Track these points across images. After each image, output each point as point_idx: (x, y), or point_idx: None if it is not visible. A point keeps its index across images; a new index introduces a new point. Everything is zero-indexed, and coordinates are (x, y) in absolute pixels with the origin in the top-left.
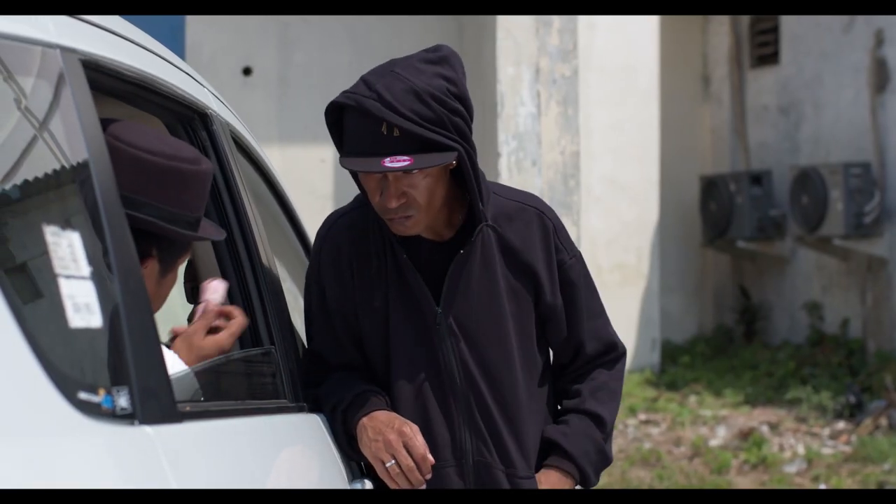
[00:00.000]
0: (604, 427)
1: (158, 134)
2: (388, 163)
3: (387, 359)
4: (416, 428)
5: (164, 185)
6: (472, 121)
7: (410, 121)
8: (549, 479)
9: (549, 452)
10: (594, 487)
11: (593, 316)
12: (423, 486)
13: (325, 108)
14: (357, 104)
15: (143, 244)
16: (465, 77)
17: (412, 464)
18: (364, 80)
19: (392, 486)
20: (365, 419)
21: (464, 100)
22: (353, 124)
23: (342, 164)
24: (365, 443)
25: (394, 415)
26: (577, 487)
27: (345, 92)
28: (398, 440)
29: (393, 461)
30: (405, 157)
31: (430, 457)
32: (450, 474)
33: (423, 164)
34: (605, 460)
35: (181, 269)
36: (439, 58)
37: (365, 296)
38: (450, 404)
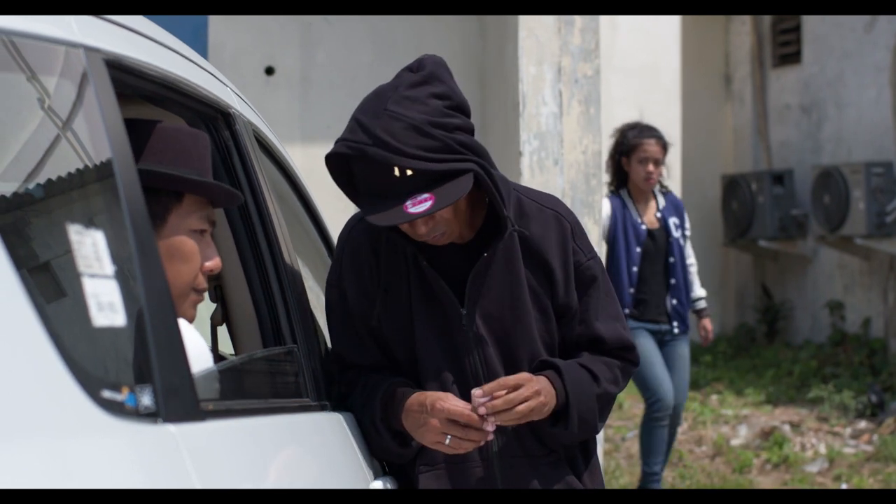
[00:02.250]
0: (598, 382)
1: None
2: (412, 208)
3: (412, 361)
4: (444, 395)
5: (141, 139)
6: (472, 125)
7: (420, 159)
8: (538, 379)
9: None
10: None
11: (612, 318)
12: (491, 432)
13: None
14: (361, 154)
15: None
16: (453, 77)
17: (467, 431)
18: (359, 123)
19: (463, 451)
20: (402, 418)
21: (461, 107)
22: (363, 172)
23: (366, 217)
24: (418, 437)
25: (419, 396)
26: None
27: (344, 140)
28: (441, 418)
29: (448, 438)
30: (425, 196)
31: (472, 403)
32: (477, 473)
33: (445, 200)
34: (592, 408)
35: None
36: (425, 77)
37: (386, 299)
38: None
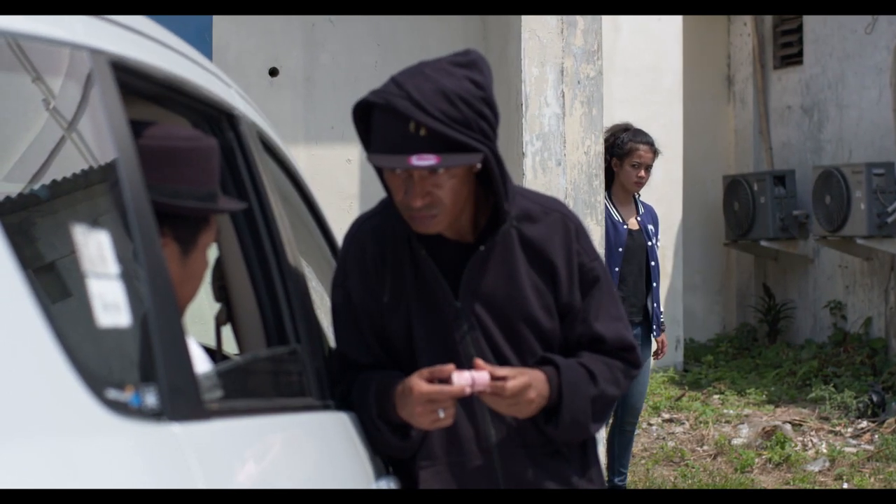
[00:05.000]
0: (595, 382)
1: (156, 122)
2: (415, 160)
3: (411, 356)
4: (414, 379)
5: (162, 165)
6: (497, 125)
7: (438, 120)
8: (531, 372)
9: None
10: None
11: (613, 318)
12: (468, 389)
13: (352, 106)
14: (386, 102)
15: None
16: (493, 82)
17: (449, 407)
18: (394, 79)
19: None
20: (399, 410)
21: (491, 105)
22: (382, 122)
23: (370, 159)
24: (417, 424)
25: (401, 387)
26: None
27: (374, 91)
28: (423, 403)
29: (440, 414)
30: (432, 156)
31: (442, 371)
32: (476, 466)
33: (449, 163)
34: (585, 410)
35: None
36: (469, 62)
37: (388, 295)
38: (472, 398)
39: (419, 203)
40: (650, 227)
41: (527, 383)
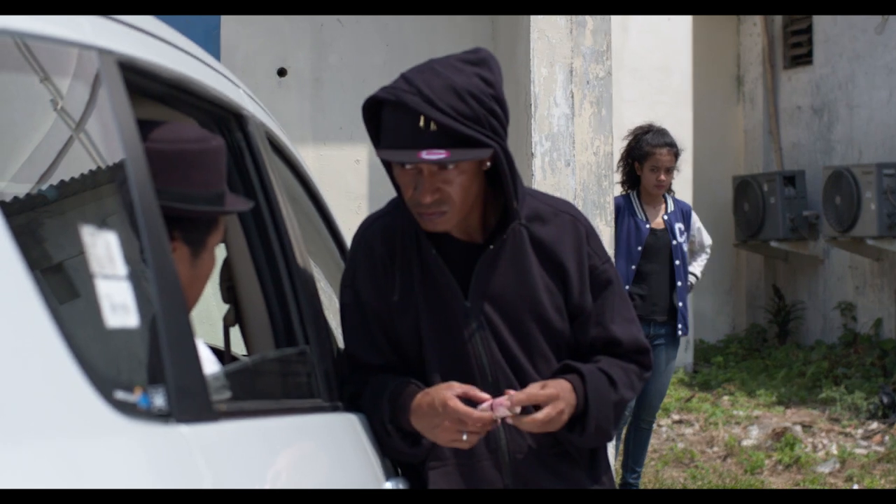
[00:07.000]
0: (616, 388)
1: (163, 122)
2: (425, 155)
3: (420, 355)
4: (449, 394)
5: (172, 169)
6: (507, 124)
7: (448, 116)
8: (556, 383)
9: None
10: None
11: (627, 321)
12: (499, 420)
13: (361, 106)
14: (397, 98)
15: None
16: (503, 81)
17: (477, 427)
18: (404, 76)
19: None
20: (412, 420)
21: (501, 102)
22: (392, 119)
23: (379, 154)
24: (432, 437)
25: (429, 395)
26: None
27: (384, 87)
28: (453, 417)
29: (465, 435)
30: (441, 151)
31: (477, 395)
32: (486, 468)
33: (459, 157)
34: (608, 416)
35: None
36: (478, 59)
37: (397, 295)
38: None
39: (428, 199)
40: (678, 225)
41: (555, 395)
